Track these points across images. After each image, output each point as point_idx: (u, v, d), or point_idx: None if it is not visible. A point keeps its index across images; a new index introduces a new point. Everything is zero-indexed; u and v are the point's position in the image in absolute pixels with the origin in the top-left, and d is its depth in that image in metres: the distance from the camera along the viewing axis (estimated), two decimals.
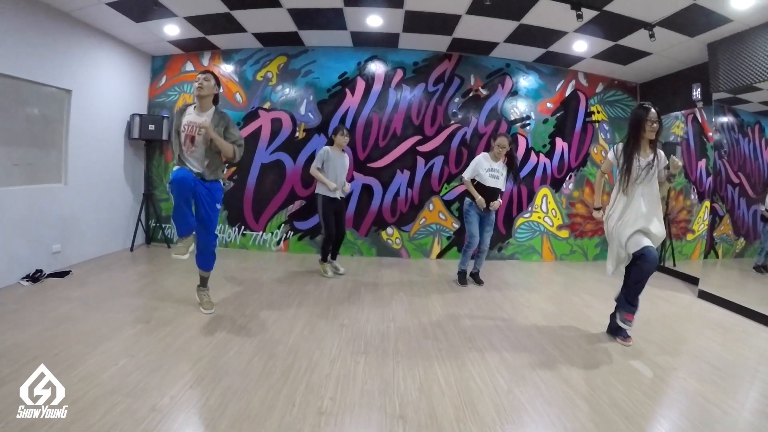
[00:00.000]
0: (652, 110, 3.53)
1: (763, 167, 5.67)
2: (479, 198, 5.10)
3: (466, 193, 5.32)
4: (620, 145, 3.70)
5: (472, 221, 5.25)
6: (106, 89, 6.04)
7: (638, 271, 3.56)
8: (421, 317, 4.19)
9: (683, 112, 6.75)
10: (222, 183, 4.08)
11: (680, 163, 3.54)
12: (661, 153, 3.61)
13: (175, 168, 3.72)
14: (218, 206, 3.99)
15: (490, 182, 5.16)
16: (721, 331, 4.19)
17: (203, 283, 4.19)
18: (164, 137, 6.62)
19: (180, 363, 2.98)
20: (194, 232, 3.87)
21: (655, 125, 3.52)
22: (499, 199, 5.28)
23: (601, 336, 3.89)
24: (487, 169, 5.18)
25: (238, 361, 3.07)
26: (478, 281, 5.53)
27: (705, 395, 2.89)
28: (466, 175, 5.27)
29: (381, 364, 3.13)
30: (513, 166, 5.30)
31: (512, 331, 3.92)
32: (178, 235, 3.79)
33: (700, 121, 6.54)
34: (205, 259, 4.06)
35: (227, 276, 5.26)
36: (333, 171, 5.38)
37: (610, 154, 3.77)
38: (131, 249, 6.52)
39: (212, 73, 3.83)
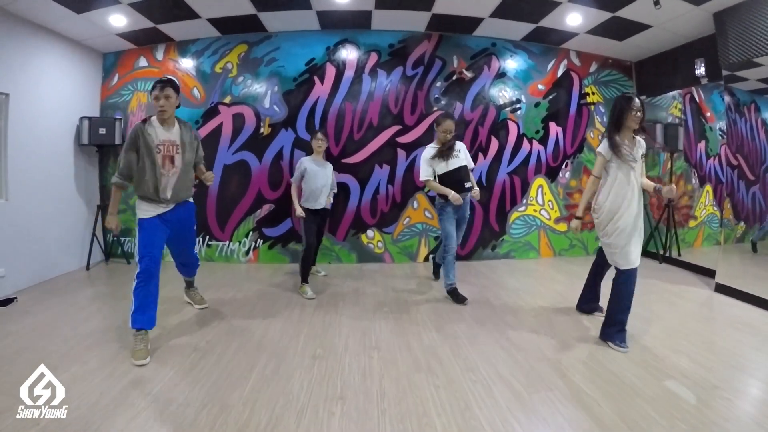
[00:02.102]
0: (636, 100, 3.45)
1: (761, 147, 5.49)
2: (453, 194, 4.44)
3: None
4: (607, 140, 3.52)
5: (449, 218, 4.63)
6: (50, 91, 5.51)
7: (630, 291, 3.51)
8: (410, 340, 3.58)
9: (680, 91, 6.46)
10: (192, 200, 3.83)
11: (674, 193, 3.48)
12: (641, 141, 3.58)
13: (142, 222, 3.45)
14: (195, 226, 3.97)
15: (453, 164, 4.57)
16: (750, 332, 3.79)
17: (190, 285, 4.31)
18: (117, 141, 6.04)
19: (113, 419, 2.41)
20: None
21: (638, 114, 3.44)
22: (475, 186, 4.65)
23: (627, 353, 3.34)
24: (433, 158, 4.60)
25: (182, 415, 2.45)
26: (439, 275, 5.27)
27: (760, 421, 2.41)
28: (425, 175, 4.62)
29: (362, 415, 2.49)
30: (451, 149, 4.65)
31: (521, 353, 3.33)
32: (136, 325, 3.23)
33: (697, 101, 6.34)
34: (189, 270, 4.16)
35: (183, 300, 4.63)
36: (313, 183, 4.86)
37: (603, 150, 3.52)
38: (87, 268, 5.96)
39: (170, 83, 3.44)
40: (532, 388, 2.78)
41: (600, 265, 3.99)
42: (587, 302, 4.19)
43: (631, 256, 3.43)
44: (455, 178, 4.54)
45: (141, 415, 2.44)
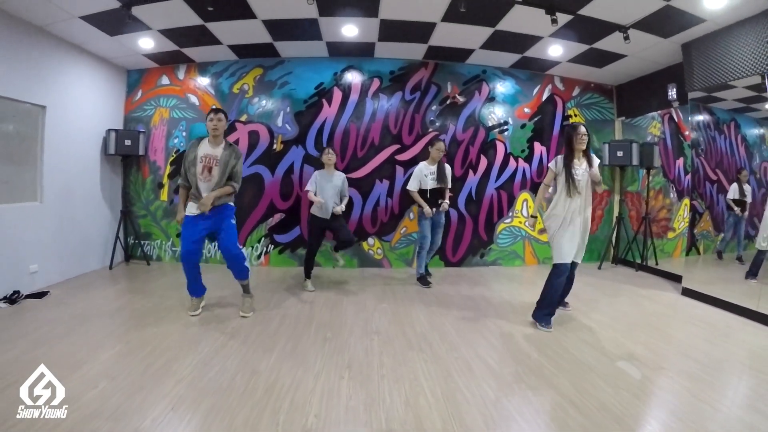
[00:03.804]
0: (581, 127, 4.14)
1: (740, 163, 5.78)
2: (427, 208, 5.53)
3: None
4: (560, 158, 4.22)
5: (425, 224, 5.67)
6: (81, 104, 5.96)
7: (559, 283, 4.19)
8: (405, 328, 4.14)
9: (659, 112, 6.83)
10: (232, 203, 4.44)
11: (599, 176, 4.17)
12: (593, 158, 4.20)
13: (185, 218, 4.23)
14: (232, 221, 4.36)
15: (431, 185, 5.61)
16: (705, 327, 4.24)
17: (245, 290, 4.57)
18: (140, 152, 6.56)
19: (161, 384, 2.90)
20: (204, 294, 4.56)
21: (584, 137, 4.11)
22: (446, 201, 5.72)
23: (587, 338, 3.88)
24: (427, 174, 5.61)
25: (220, 379, 3.00)
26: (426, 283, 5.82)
27: (694, 393, 2.90)
28: (412, 186, 5.64)
29: (366, 378, 3.07)
30: (441, 167, 5.68)
31: (498, 339, 3.88)
32: (191, 294, 4.44)
33: (676, 120, 6.62)
34: (236, 270, 4.42)
35: (207, 293, 5.07)
36: (322, 194, 5.36)
37: (552, 165, 4.27)
38: (110, 267, 6.40)
39: (223, 112, 4.27)
40: (503, 364, 3.34)
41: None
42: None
43: (562, 253, 4.14)
44: (435, 196, 5.64)
45: (185, 381, 2.96)
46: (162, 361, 3.26)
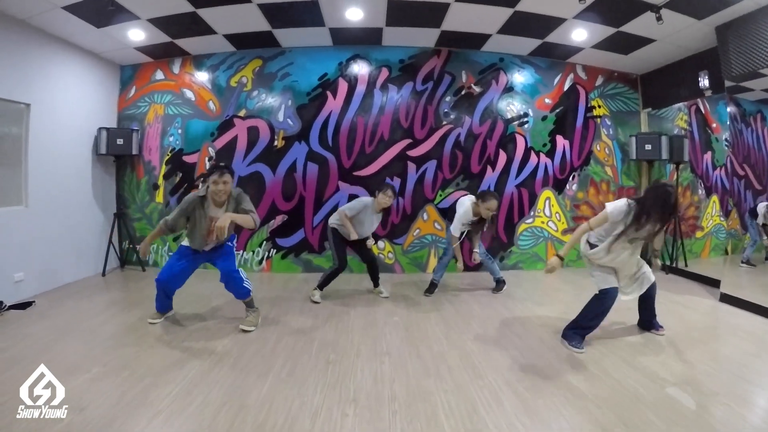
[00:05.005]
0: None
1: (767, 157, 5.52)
2: (460, 265, 5.28)
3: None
4: (629, 206, 3.42)
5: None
6: (69, 102, 5.69)
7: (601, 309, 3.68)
8: (419, 347, 3.67)
9: (686, 103, 6.53)
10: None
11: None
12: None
13: (182, 244, 4.12)
14: (229, 244, 4.19)
15: (465, 229, 5.10)
16: (753, 341, 3.83)
17: (248, 305, 4.18)
18: (134, 152, 6.27)
19: (134, 418, 2.51)
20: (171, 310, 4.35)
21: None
22: (476, 250, 5.24)
23: (628, 358, 3.42)
24: (466, 223, 5.05)
25: (201, 415, 2.56)
26: (500, 287, 5.50)
27: (757, 426, 2.47)
28: (456, 231, 5.01)
29: (374, 416, 2.59)
30: (483, 222, 5.14)
31: (527, 360, 3.41)
32: (156, 308, 4.20)
33: (703, 112, 6.40)
34: (235, 291, 4.09)
35: (201, 304, 4.76)
36: (361, 225, 4.97)
37: (613, 211, 3.45)
38: (103, 274, 6.11)
39: (229, 171, 3.86)
40: (537, 394, 2.86)
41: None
42: (643, 320, 4.15)
43: (608, 281, 3.64)
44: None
45: (161, 414, 2.54)
46: (139, 388, 2.87)
